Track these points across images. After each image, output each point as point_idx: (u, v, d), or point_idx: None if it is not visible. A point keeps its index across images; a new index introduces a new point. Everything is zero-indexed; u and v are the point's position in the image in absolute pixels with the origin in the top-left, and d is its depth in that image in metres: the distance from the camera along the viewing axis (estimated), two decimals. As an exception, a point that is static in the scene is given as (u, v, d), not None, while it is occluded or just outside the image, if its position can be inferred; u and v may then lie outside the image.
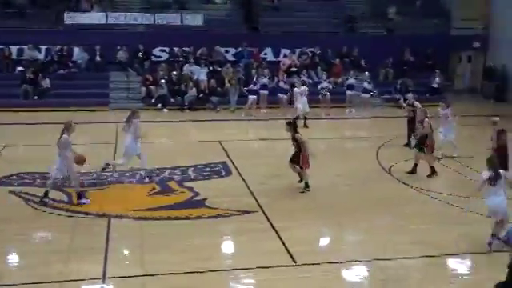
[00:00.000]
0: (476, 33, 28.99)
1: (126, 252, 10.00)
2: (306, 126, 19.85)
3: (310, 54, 27.41)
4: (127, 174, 14.12)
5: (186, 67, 25.37)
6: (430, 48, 28.17)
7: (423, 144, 14.41)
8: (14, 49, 25.21)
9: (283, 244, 10.16)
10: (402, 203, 12.71)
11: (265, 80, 23.67)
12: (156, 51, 26.67)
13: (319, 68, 26.65)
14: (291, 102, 22.84)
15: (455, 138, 16.34)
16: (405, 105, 18.69)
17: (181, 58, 25.95)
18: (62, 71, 24.86)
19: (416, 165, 14.62)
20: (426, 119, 14.55)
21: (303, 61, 26.93)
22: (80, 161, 12.18)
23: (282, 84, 23.82)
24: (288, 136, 13.36)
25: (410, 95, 18.70)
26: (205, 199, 12.54)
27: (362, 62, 27.28)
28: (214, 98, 24.18)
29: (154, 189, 13.20)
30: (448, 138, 16.08)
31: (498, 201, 9.86)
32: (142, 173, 14.00)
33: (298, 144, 12.97)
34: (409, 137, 17.85)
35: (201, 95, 24.31)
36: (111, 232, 10.59)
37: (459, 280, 9.34)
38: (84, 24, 26.05)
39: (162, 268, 9.10)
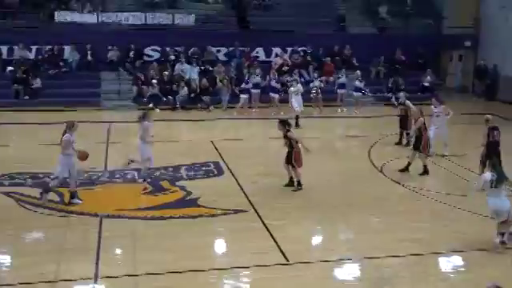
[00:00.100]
0: (467, 32, 29.08)
1: (118, 252, 9.98)
2: (297, 125, 19.83)
3: (302, 53, 27.44)
4: (119, 174, 14.07)
5: (178, 67, 25.33)
6: (422, 47, 28.26)
7: (420, 143, 14.44)
8: (4, 48, 25.06)
9: (276, 243, 10.17)
10: (394, 201, 12.77)
11: (257, 79, 23.66)
12: (147, 51, 26.59)
13: (311, 67, 26.68)
14: (283, 101, 22.89)
15: (447, 137, 16.37)
16: (396, 104, 18.77)
17: (172, 58, 25.89)
18: (52, 71, 24.73)
19: (410, 164, 14.67)
20: (421, 118, 14.59)
21: (295, 60, 26.95)
22: (83, 157, 12.14)
23: (273, 83, 23.81)
24: (280, 135, 13.36)
25: (401, 94, 18.80)
26: (197, 198, 12.52)
27: (354, 61, 27.33)
28: (206, 98, 24.16)
29: (146, 188, 13.17)
30: (439, 136, 16.12)
31: (501, 202, 9.86)
32: (135, 173, 13.96)
33: (291, 142, 12.98)
34: (401, 135, 17.93)
35: (192, 95, 24.29)
36: (103, 232, 10.56)
37: (451, 278, 9.37)
38: (75, 23, 25.93)
39: (154, 268, 9.08)
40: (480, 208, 11.94)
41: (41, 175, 13.84)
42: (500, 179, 9.90)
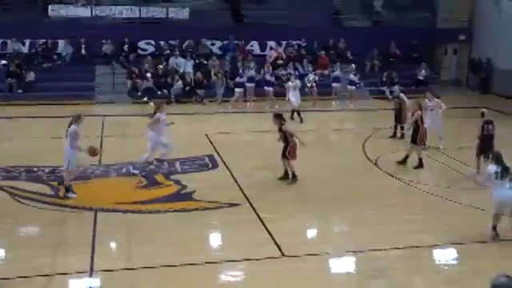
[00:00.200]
0: (461, 26, 29.14)
1: (113, 245, 9.98)
2: (292, 118, 19.88)
3: (296, 47, 27.44)
4: (113, 168, 14.05)
5: (172, 60, 25.28)
6: (416, 40, 28.31)
7: (417, 136, 14.47)
8: (-3, 42, 24.99)
9: (271, 236, 10.18)
10: (388, 194, 12.79)
11: (251, 73, 23.64)
12: (142, 44, 26.54)
13: (305, 60, 26.66)
14: (278, 94, 22.89)
15: (442, 130, 16.40)
16: (391, 97, 18.79)
17: (168, 51, 25.82)
18: (46, 64, 24.64)
19: (407, 156, 14.70)
20: (419, 111, 14.60)
21: (289, 53, 26.94)
22: (92, 152, 12.14)
23: (268, 77, 23.80)
24: (275, 128, 13.37)
25: (396, 88, 18.82)
26: (192, 192, 12.52)
27: (348, 55, 27.34)
28: (201, 91, 24.12)
29: (140, 182, 13.16)
30: (434, 129, 16.14)
31: (506, 193, 9.85)
32: (130, 166, 13.95)
33: (286, 136, 12.99)
34: (395, 128, 17.96)
35: (187, 88, 24.25)
36: (98, 225, 10.55)
37: (446, 270, 9.42)
38: (69, 17, 25.84)
39: (149, 261, 9.08)
40: (473, 201, 12.04)
41: (35, 169, 13.83)
42: (505, 171, 9.90)
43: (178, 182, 13.19)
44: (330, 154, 16.20)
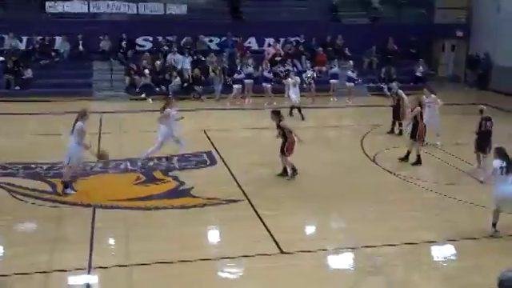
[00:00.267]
0: (459, 22, 29.12)
1: (111, 242, 9.98)
2: (291, 115, 19.88)
3: (295, 43, 27.39)
4: (112, 164, 14.03)
5: (170, 57, 25.23)
6: (414, 37, 28.27)
7: (416, 132, 14.48)
8: (-6, 38, 24.90)
9: (269, 232, 10.18)
10: (387, 191, 12.80)
11: (249, 69, 23.61)
12: (139, 40, 26.46)
13: (303, 57, 26.62)
14: (276, 91, 22.88)
15: (439, 126, 16.39)
16: (389, 94, 18.79)
17: (165, 47, 25.77)
18: (44, 61, 24.58)
19: (409, 152, 14.71)
20: (418, 107, 14.59)
21: (287, 50, 26.90)
22: (102, 157, 12.29)
23: (266, 73, 23.77)
24: (273, 125, 13.36)
25: (394, 84, 18.83)
26: (190, 188, 12.52)
27: (346, 51, 27.30)
28: (199, 88, 24.09)
29: (138, 178, 13.15)
30: (431, 126, 16.13)
31: (510, 188, 9.81)
32: (128, 163, 13.94)
33: (284, 132, 13.00)
34: (393, 125, 17.96)
35: (185, 85, 24.21)
36: (96, 222, 10.54)
37: (444, 266, 9.43)
38: (66, 13, 25.72)
39: (147, 257, 9.08)
40: (472, 197, 12.06)
41: (33, 165, 13.81)
42: (510, 166, 9.86)
43: (176, 179, 13.19)
44: (328, 151, 16.20)
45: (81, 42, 25.35)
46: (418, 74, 26.49)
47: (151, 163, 14.19)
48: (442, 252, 9.92)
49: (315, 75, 24.29)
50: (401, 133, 17.57)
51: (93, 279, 8.56)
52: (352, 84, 24.31)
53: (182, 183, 12.88)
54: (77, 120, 11.90)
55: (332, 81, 24.52)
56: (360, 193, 12.53)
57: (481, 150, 13.72)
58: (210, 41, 27.07)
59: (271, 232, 10.18)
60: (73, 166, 12.03)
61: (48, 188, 12.32)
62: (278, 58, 25.98)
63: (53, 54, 25.04)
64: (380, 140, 17.34)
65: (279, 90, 23.70)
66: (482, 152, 13.70)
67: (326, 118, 21.68)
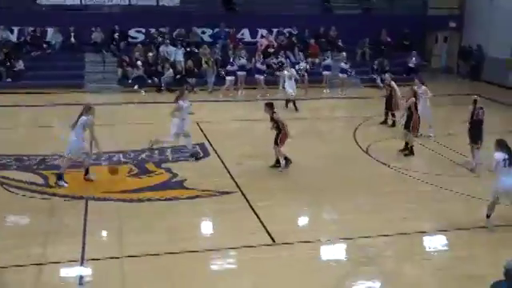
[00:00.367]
0: (452, 13, 29.13)
1: (104, 234, 9.96)
2: (286, 106, 19.89)
3: (288, 35, 27.31)
4: (104, 157, 13.97)
5: (163, 48, 25.11)
6: (407, 28, 28.23)
7: (410, 123, 14.50)
8: (-15, 30, 24.68)
9: (262, 224, 10.20)
10: (380, 182, 12.81)
11: (242, 61, 23.55)
12: (132, 32, 26.30)
13: (296, 49, 26.57)
14: (269, 83, 22.83)
15: (431, 118, 16.40)
16: (382, 85, 18.79)
17: (159, 39, 25.63)
18: (35, 53, 24.42)
19: (407, 143, 14.75)
20: (413, 98, 14.60)
21: (280, 41, 26.84)
22: (112, 171, 12.37)
23: (259, 65, 23.71)
24: (266, 117, 13.35)
25: (386, 75, 18.87)
26: (183, 180, 12.50)
27: (340, 43, 27.26)
28: (191, 80, 24.01)
29: (131, 170, 13.12)
30: (423, 117, 16.13)
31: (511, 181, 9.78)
32: (121, 155, 13.90)
33: (278, 124, 12.99)
34: (386, 115, 17.99)
35: (178, 76, 24.12)
36: (89, 214, 10.51)
37: (436, 256, 9.47)
38: (58, 5, 25.55)
39: (140, 249, 9.07)
40: (465, 188, 12.11)
41: (24, 158, 13.75)
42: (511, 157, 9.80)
43: (169, 171, 13.16)
44: (321, 142, 16.20)
45: (73, 33, 25.15)
46: (411, 65, 26.49)
47: (143, 155, 14.15)
48: (435, 243, 9.95)
49: (308, 67, 24.26)
50: (394, 124, 17.58)
51: (86, 271, 8.53)
52: (345, 75, 24.31)
53: (175, 175, 12.86)
54: (81, 114, 11.95)
55: (325, 72, 24.49)
56: (353, 184, 12.55)
57: (473, 141, 13.74)
58: (203, 32, 26.93)
59: (264, 223, 10.19)
60: (72, 158, 12.02)
61: (40, 180, 12.27)
62: (271, 50, 25.90)
63: (44, 45, 24.86)
64: (373, 131, 17.36)
65: (272, 82, 23.65)
66: (474, 143, 13.73)
67: (319, 110, 21.66)
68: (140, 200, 11.37)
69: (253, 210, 10.86)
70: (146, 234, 9.70)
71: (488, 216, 10.15)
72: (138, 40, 26.06)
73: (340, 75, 24.30)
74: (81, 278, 8.35)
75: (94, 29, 25.35)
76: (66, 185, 11.86)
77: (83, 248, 9.12)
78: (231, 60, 23.66)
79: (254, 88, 23.34)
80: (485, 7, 26.84)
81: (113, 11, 26.27)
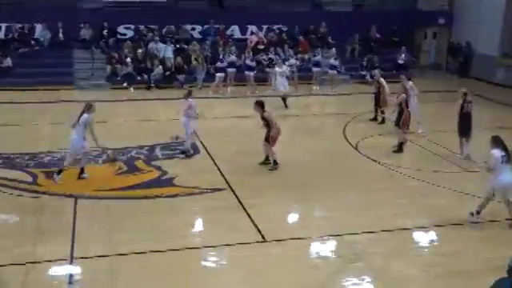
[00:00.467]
0: (441, 9, 29.22)
1: (93, 232, 9.89)
2: (286, 106, 19.90)
3: (277, 31, 27.30)
4: (93, 154, 13.90)
5: (152, 45, 24.99)
6: (396, 24, 28.30)
7: (400, 119, 14.54)
8: (-28, 27, 24.50)
9: (252, 221, 10.19)
10: (370, 179, 12.83)
11: (232, 58, 23.49)
12: (121, 29, 26.18)
13: (286, 45, 26.55)
14: (259, 80, 22.79)
15: (419, 114, 16.42)
16: (371, 81, 18.82)
17: (149, 36, 25.49)
18: (23, 49, 24.21)
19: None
20: (403, 94, 14.64)
21: (270, 38, 26.81)
22: (110, 160, 12.60)
23: (248, 62, 23.66)
24: (256, 114, 13.32)
25: (376, 72, 18.93)
26: (173, 178, 12.46)
27: (329, 39, 27.27)
28: (181, 76, 23.93)
29: (120, 168, 13.06)
30: (412, 113, 16.16)
31: (510, 179, 9.78)
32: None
33: (268, 122, 12.96)
34: (376, 112, 18.02)
35: (167, 73, 24.04)
36: (78, 212, 10.46)
37: (426, 253, 9.52)
38: (46, 0, 25.34)
39: (130, 247, 9.04)
40: (454, 184, 12.16)
41: (13, 156, 13.64)
42: (509, 155, 9.81)
43: (158, 168, 13.11)
44: (311, 139, 16.20)
45: (61, 30, 24.97)
46: (400, 61, 26.53)
47: (133, 153, 14.09)
48: (426, 239, 9.99)
49: (298, 64, 24.24)
50: (383, 121, 17.62)
51: (75, 270, 8.49)
52: (335, 72, 24.30)
53: (165, 173, 12.81)
54: (82, 112, 11.92)
55: (315, 69, 24.50)
56: (344, 181, 12.57)
57: (463, 134, 13.80)
58: (193, 29, 26.86)
59: (254, 221, 10.18)
60: (70, 155, 12.02)
61: (28, 178, 12.18)
62: (261, 47, 25.88)
63: (32, 42, 24.67)
64: (362, 128, 17.39)
65: (262, 79, 23.62)
66: (463, 136, 13.80)
67: (309, 107, 21.67)
68: (129, 198, 11.32)
69: (243, 207, 10.84)
70: (135, 232, 9.66)
71: (478, 212, 10.18)
72: (127, 37, 25.90)
73: (330, 72, 24.28)
74: (70, 276, 8.30)
75: (82, 25, 25.19)
76: (57, 182, 11.75)
77: (72, 246, 9.07)
78: (221, 57, 23.60)
79: (244, 85, 23.27)
80: (474, 4, 26.95)
81: (102, 7, 26.08)
